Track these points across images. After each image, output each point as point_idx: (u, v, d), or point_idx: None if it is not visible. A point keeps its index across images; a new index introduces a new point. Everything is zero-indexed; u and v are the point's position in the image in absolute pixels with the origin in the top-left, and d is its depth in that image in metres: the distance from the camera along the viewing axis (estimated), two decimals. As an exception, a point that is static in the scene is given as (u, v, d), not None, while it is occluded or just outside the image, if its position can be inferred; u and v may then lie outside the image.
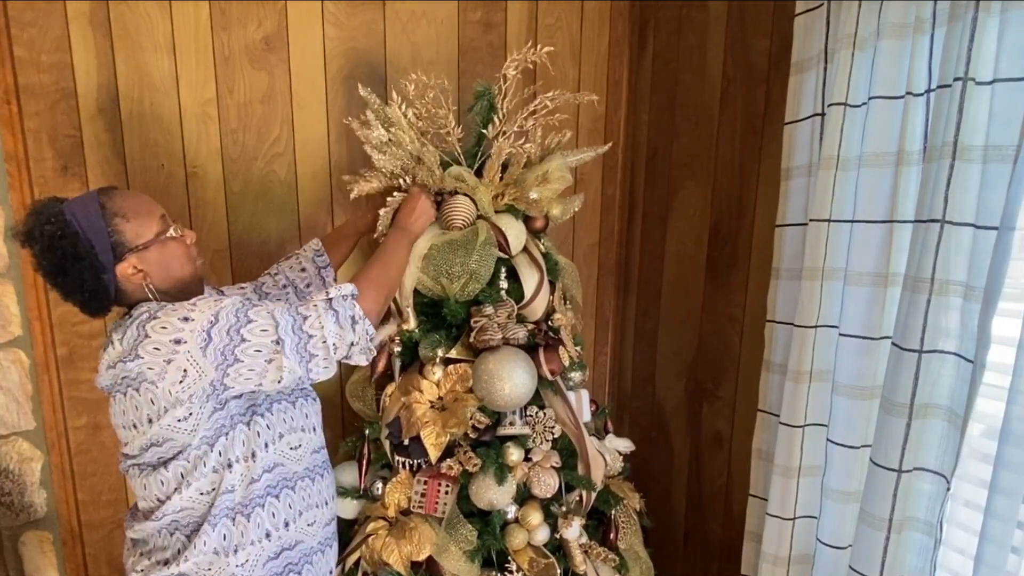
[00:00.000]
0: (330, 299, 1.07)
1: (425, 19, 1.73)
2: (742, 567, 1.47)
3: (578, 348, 1.54)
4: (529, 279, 1.42)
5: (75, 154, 1.53)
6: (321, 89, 1.68)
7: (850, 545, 1.20)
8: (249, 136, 1.65)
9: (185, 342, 1.00)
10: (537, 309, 1.44)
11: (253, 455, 1.11)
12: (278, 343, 1.02)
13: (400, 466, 1.43)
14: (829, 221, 1.15)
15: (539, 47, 1.38)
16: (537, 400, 1.44)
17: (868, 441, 1.16)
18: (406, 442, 1.39)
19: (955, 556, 1.16)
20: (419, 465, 1.42)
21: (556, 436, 1.45)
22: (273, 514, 1.14)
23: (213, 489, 1.09)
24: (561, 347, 1.44)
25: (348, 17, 1.67)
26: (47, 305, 1.55)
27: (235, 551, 1.11)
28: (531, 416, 1.43)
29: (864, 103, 1.10)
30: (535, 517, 1.40)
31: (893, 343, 1.07)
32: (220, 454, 1.08)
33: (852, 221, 1.15)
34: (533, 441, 1.43)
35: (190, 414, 1.04)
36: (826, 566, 1.26)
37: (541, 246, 1.50)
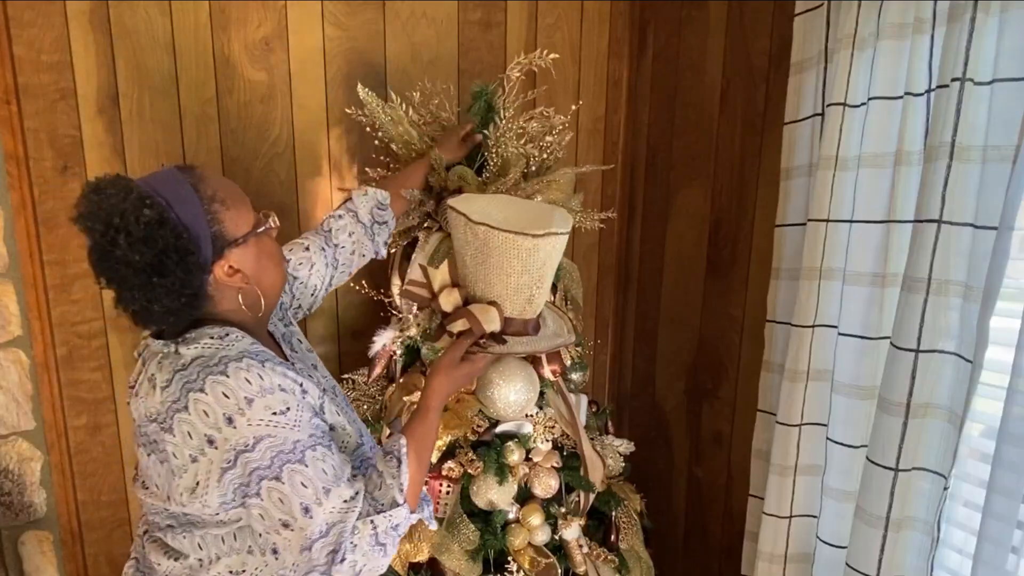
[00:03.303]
0: (376, 533, 0.89)
1: (425, 19, 1.73)
2: (742, 567, 1.47)
3: (579, 348, 1.54)
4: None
5: (75, 154, 1.53)
6: (321, 89, 1.68)
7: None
8: (249, 136, 1.65)
9: (215, 447, 0.83)
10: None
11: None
12: (286, 526, 0.85)
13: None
14: (828, 221, 1.15)
15: (544, 52, 1.38)
16: (538, 400, 1.44)
17: (868, 440, 1.16)
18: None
19: (954, 555, 1.16)
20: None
21: (556, 436, 1.45)
22: None
23: (244, 571, 0.93)
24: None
25: (348, 17, 1.67)
26: (47, 305, 1.55)
27: None
28: (531, 416, 1.43)
29: (863, 103, 1.10)
30: (536, 517, 1.40)
31: (891, 343, 1.07)
32: (261, 535, 0.90)
33: (851, 221, 1.15)
34: (533, 440, 1.43)
35: (217, 513, 0.89)
36: (826, 564, 1.27)
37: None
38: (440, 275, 1.16)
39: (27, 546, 1.62)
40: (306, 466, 0.85)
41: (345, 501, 0.87)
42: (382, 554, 0.90)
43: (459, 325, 1.11)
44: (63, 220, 1.54)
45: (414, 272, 1.23)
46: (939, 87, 0.99)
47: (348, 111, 1.45)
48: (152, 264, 0.82)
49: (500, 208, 1.12)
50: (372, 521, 0.89)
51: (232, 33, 1.59)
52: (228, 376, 0.83)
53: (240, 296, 0.93)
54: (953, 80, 0.94)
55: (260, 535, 0.91)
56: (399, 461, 0.95)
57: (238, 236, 0.90)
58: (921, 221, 1.00)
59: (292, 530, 0.85)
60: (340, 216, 1.28)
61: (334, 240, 1.25)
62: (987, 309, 0.95)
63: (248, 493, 0.85)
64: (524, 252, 1.06)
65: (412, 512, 0.95)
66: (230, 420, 0.82)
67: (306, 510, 0.84)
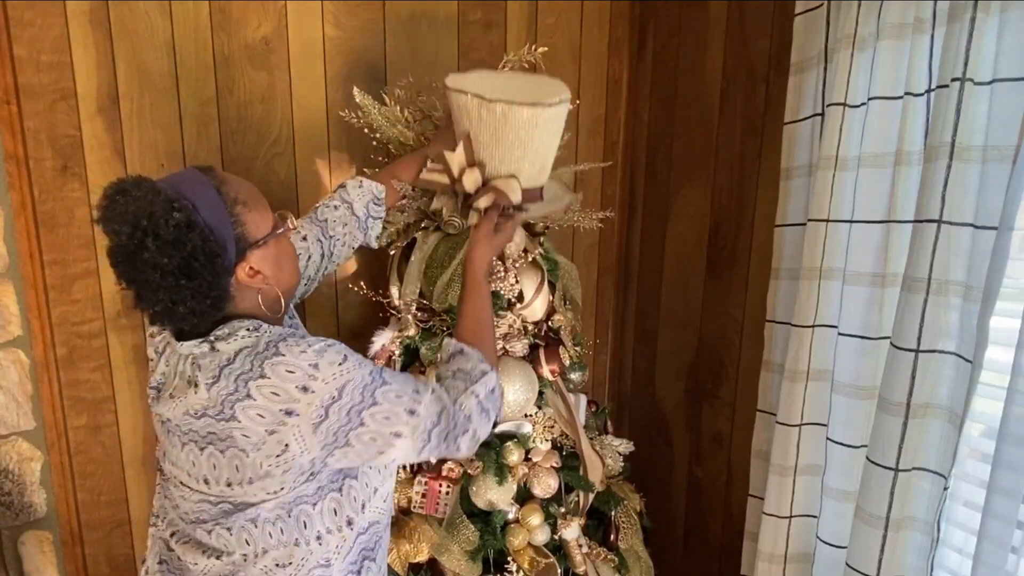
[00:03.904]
0: (480, 401, 0.97)
1: (425, 19, 1.73)
2: (742, 567, 1.47)
3: (578, 348, 1.54)
4: (528, 281, 1.43)
5: (75, 154, 1.53)
6: (321, 89, 1.68)
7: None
8: (249, 136, 1.65)
9: (297, 415, 0.85)
10: (537, 310, 1.44)
11: (349, 523, 0.96)
12: (398, 436, 0.90)
13: (401, 466, 1.43)
14: (827, 221, 1.15)
15: (534, 47, 1.39)
16: (537, 399, 1.44)
17: (868, 440, 1.16)
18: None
19: (954, 555, 1.16)
20: (420, 465, 1.42)
21: (555, 436, 1.45)
22: None
23: (291, 563, 0.93)
24: (561, 347, 1.45)
25: (348, 17, 1.67)
26: (47, 305, 1.56)
27: None
28: (531, 415, 1.43)
29: (863, 103, 1.10)
30: (535, 517, 1.40)
31: (891, 343, 1.07)
32: (305, 525, 0.93)
33: (851, 221, 1.15)
34: (533, 440, 1.43)
35: (282, 488, 0.89)
36: (826, 565, 1.27)
37: (541, 248, 1.50)
38: (457, 159, 1.20)
39: (27, 546, 1.62)
40: (389, 384, 0.91)
41: (432, 392, 0.94)
42: (487, 419, 0.98)
43: (485, 200, 1.19)
44: (63, 220, 1.54)
45: (431, 162, 1.27)
46: (939, 87, 0.99)
47: (342, 114, 1.45)
48: (180, 267, 0.82)
49: (497, 84, 1.17)
50: (472, 391, 0.97)
51: (232, 33, 1.59)
52: (284, 355, 0.86)
53: (260, 296, 0.94)
54: (953, 80, 0.94)
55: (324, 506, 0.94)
56: (462, 349, 1.03)
57: (259, 238, 0.91)
58: (921, 221, 1.00)
59: (404, 436, 0.90)
60: (336, 207, 1.27)
61: (330, 232, 1.26)
62: (987, 309, 0.95)
63: (351, 428, 0.88)
64: (541, 122, 1.12)
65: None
66: (305, 388, 0.85)
67: (411, 412, 0.91)
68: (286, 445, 0.86)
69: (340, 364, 0.87)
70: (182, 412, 0.88)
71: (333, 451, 0.89)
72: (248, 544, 0.92)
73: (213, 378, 0.86)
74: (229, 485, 0.89)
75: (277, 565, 0.93)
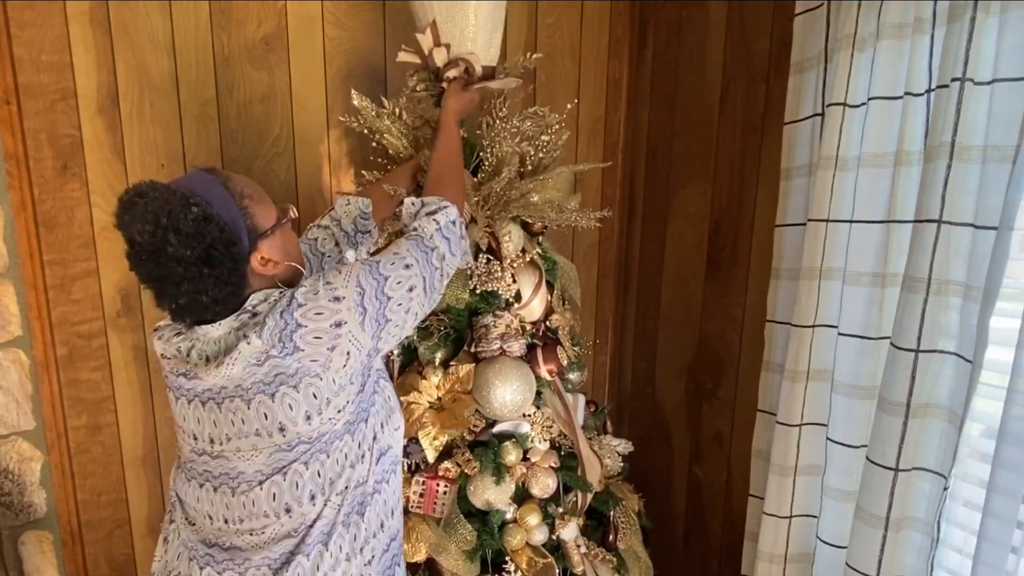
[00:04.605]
0: (440, 228, 1.07)
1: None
2: (742, 567, 1.47)
3: (576, 348, 1.54)
4: (526, 280, 1.43)
5: (75, 154, 1.53)
6: (321, 89, 1.68)
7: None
8: (249, 136, 1.65)
9: (346, 322, 0.93)
10: (535, 310, 1.44)
11: (375, 438, 1.04)
12: (411, 290, 1.00)
13: (402, 464, 1.43)
14: (827, 221, 1.15)
15: (529, 54, 1.41)
16: (535, 399, 1.44)
17: (868, 440, 1.16)
18: (404, 442, 1.40)
19: (954, 555, 1.16)
20: (417, 465, 1.42)
21: (553, 436, 1.45)
22: (385, 501, 1.07)
23: (346, 487, 1.00)
24: (559, 347, 1.45)
25: (348, 17, 1.67)
26: (47, 305, 1.56)
27: (360, 550, 1.02)
28: (529, 415, 1.43)
29: (863, 103, 1.10)
30: (533, 517, 1.40)
31: (891, 343, 1.07)
32: (360, 445, 1.01)
33: (851, 221, 1.15)
34: (531, 440, 1.43)
35: (348, 401, 0.97)
36: (826, 565, 1.27)
37: (539, 248, 1.50)
38: (426, 40, 1.39)
39: (27, 546, 1.62)
40: (380, 259, 1.00)
41: (404, 244, 1.04)
42: (448, 246, 1.07)
43: (455, 72, 1.39)
44: (63, 220, 1.54)
45: (405, 46, 1.46)
46: (939, 87, 0.99)
47: (342, 119, 1.45)
48: (201, 257, 0.89)
49: None
50: (433, 219, 1.07)
51: (232, 33, 1.59)
52: (304, 286, 0.96)
53: (277, 280, 1.01)
54: (953, 80, 0.94)
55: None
56: (423, 201, 1.12)
57: (267, 228, 0.97)
58: (921, 221, 1.00)
59: (416, 287, 1.01)
60: (326, 227, 1.31)
61: (320, 249, 1.29)
62: (987, 309, 0.95)
63: (383, 307, 0.97)
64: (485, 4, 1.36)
65: (459, 211, 1.12)
66: (337, 299, 0.94)
67: (407, 266, 1.01)
68: (347, 353, 0.94)
69: (339, 272, 0.97)
70: (242, 367, 0.92)
71: (380, 334, 0.98)
72: (319, 476, 0.97)
73: (259, 327, 0.92)
74: (308, 419, 0.94)
75: (338, 494, 0.99)
